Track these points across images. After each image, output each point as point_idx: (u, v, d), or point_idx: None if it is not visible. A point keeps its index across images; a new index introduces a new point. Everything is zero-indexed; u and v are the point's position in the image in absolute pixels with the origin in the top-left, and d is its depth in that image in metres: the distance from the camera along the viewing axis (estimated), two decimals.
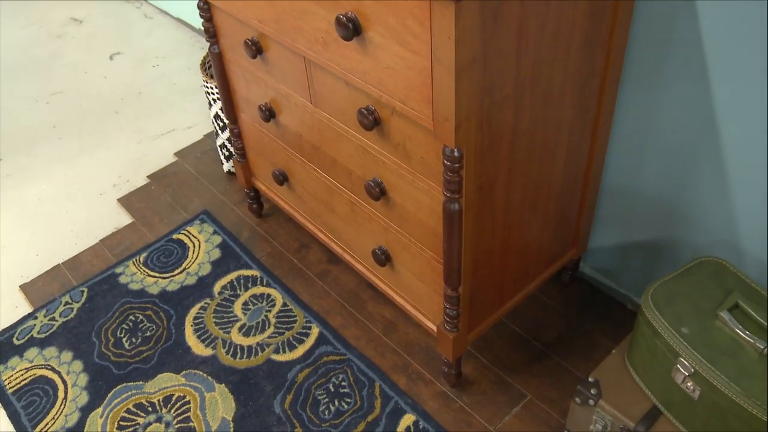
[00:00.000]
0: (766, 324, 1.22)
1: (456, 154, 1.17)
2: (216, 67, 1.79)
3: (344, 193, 1.60)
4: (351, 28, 1.18)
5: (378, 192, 1.45)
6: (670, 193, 1.53)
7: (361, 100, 1.34)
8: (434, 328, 1.55)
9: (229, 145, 2.21)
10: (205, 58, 2.19)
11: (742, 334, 1.21)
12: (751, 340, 1.20)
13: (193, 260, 2.05)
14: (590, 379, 1.39)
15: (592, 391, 1.36)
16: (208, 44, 1.78)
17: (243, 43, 1.60)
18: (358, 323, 1.82)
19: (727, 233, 1.45)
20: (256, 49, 1.56)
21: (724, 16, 1.23)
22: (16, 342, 1.89)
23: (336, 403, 1.65)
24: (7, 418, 1.72)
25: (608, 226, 1.73)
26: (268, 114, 1.69)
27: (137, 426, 1.65)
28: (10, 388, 1.78)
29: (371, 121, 1.32)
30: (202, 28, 2.52)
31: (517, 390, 1.64)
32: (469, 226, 1.32)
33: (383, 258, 1.58)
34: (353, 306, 1.87)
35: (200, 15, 1.71)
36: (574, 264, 1.80)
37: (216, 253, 2.06)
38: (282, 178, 1.82)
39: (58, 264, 2.11)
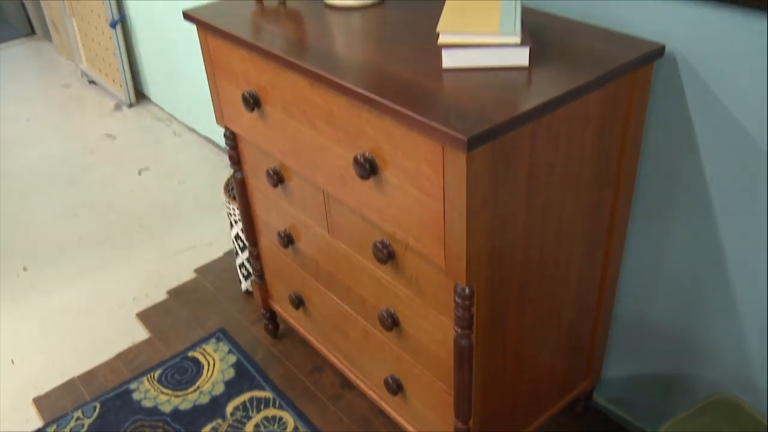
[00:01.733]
0: None
1: (467, 291, 1.19)
2: (239, 192, 1.86)
3: (358, 320, 1.62)
4: (368, 168, 1.24)
5: (390, 323, 1.47)
6: (682, 326, 1.53)
7: (377, 234, 1.38)
8: None
9: (248, 265, 2.26)
10: (228, 180, 2.27)
11: None
12: None
13: (207, 379, 2.05)
14: None
15: None
16: (232, 171, 1.85)
17: (265, 172, 1.67)
18: None
19: (741, 368, 1.45)
20: (277, 178, 1.63)
21: (726, 160, 1.28)
22: None
23: None
24: None
25: (621, 357, 1.72)
26: (287, 240, 1.74)
27: None
28: None
29: (385, 254, 1.36)
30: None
31: None
32: (479, 360, 1.32)
33: (395, 387, 1.58)
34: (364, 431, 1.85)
35: (226, 143, 1.79)
36: (587, 394, 1.78)
37: (230, 373, 2.07)
38: (298, 302, 1.85)
39: (73, 377, 2.12)
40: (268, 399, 1.97)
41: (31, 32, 4.90)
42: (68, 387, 2.09)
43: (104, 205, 2.93)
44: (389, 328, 1.47)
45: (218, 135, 3.18)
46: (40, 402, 2.05)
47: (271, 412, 1.94)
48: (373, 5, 1.53)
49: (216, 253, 2.58)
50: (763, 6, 1.11)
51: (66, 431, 1.94)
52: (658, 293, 1.55)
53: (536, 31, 1.32)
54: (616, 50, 1.24)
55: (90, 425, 1.95)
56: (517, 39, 1.18)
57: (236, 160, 1.82)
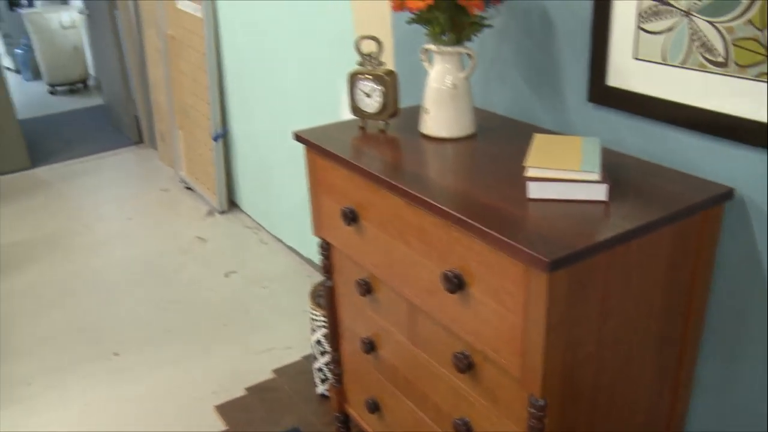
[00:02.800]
0: None
1: (541, 403, 1.28)
2: (327, 298, 2.01)
3: (432, 428, 1.70)
4: (456, 283, 1.37)
5: (465, 430, 1.54)
6: None
7: (457, 344, 1.49)
8: None
9: (325, 370, 2.37)
10: (314, 288, 2.42)
11: None
12: None
13: None
14: None
15: None
16: (321, 276, 2.01)
17: (355, 282, 1.82)
18: None
19: None
20: (366, 288, 1.77)
21: None
22: None
23: None
24: None
25: None
26: (370, 346, 1.86)
27: None
28: None
29: (465, 364, 1.47)
30: (311, 259, 2.80)
31: None
32: None
33: None
34: None
35: (320, 253, 1.96)
36: None
37: None
38: (374, 407, 1.95)
39: None
40: None
41: (140, 141, 5.34)
42: None
43: (191, 303, 3.12)
44: None
45: (303, 246, 3.38)
46: None
47: None
48: (465, 138, 1.71)
49: (294, 356, 2.71)
50: None
51: None
52: (731, 420, 1.59)
53: (614, 169, 1.46)
54: (688, 191, 1.36)
55: None
56: (597, 176, 1.32)
57: (328, 269, 1.97)
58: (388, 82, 1.74)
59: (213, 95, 3.70)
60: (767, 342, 1.44)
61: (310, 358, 2.68)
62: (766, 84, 1.28)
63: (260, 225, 3.82)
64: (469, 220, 1.28)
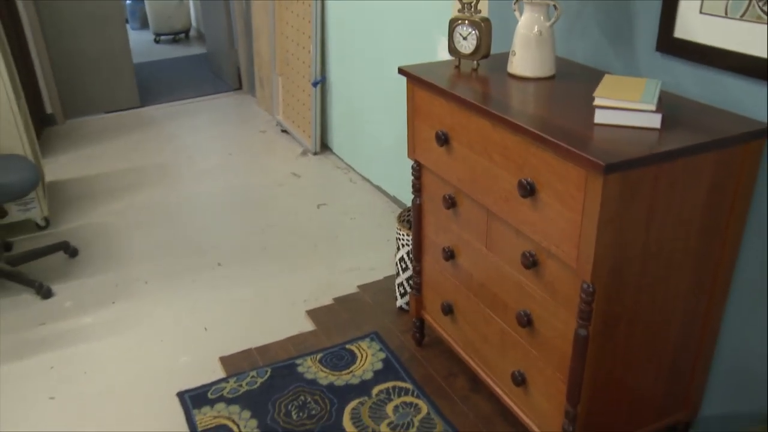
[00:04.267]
0: None
1: (590, 288, 1.58)
2: (415, 214, 2.33)
3: (498, 323, 2.02)
4: (528, 189, 1.67)
5: (526, 321, 1.85)
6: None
7: (526, 245, 1.79)
8: None
9: (405, 285, 2.71)
10: (401, 212, 2.75)
11: None
12: None
13: (359, 366, 2.49)
14: None
15: None
16: (412, 198, 2.33)
17: (441, 197, 2.14)
18: None
19: None
20: (451, 202, 2.09)
21: None
22: (209, 396, 2.37)
23: None
24: None
25: (720, 398, 2.00)
26: (450, 254, 2.18)
27: None
28: (200, 427, 2.24)
29: (531, 262, 1.77)
30: (395, 196, 3.11)
31: None
32: (592, 354, 1.68)
33: (520, 380, 1.95)
34: (486, 427, 2.21)
35: (412, 174, 2.28)
36: (684, 426, 2.05)
37: (379, 365, 2.50)
38: (448, 309, 2.27)
39: (251, 348, 2.62)
40: (408, 389, 2.38)
41: (239, 87, 5.76)
42: (247, 354, 2.59)
43: (286, 227, 3.51)
44: (524, 326, 1.86)
45: (388, 185, 3.71)
46: (224, 360, 2.56)
47: (409, 399, 2.34)
48: (546, 78, 1.99)
49: (377, 276, 3.06)
50: None
51: (243, 384, 2.42)
52: (759, 340, 1.84)
53: (672, 107, 1.72)
54: (733, 126, 1.62)
55: (262, 383, 2.43)
56: (653, 107, 1.59)
57: (418, 188, 2.29)
58: (483, 27, 2.03)
59: (315, 43, 4.05)
60: None
61: (391, 278, 3.02)
62: None
63: (349, 166, 4.17)
64: (544, 135, 1.57)
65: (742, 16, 1.66)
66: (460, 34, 2.07)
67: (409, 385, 2.39)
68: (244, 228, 3.51)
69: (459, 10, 2.08)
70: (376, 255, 3.23)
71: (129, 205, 3.79)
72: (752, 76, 1.67)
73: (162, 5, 7.47)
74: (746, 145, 1.63)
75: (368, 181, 3.95)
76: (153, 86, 5.94)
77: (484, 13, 2.43)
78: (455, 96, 1.89)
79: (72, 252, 3.31)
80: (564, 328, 1.73)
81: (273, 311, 2.84)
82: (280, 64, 4.65)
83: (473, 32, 2.04)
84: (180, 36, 7.83)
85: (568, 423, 1.77)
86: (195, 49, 7.30)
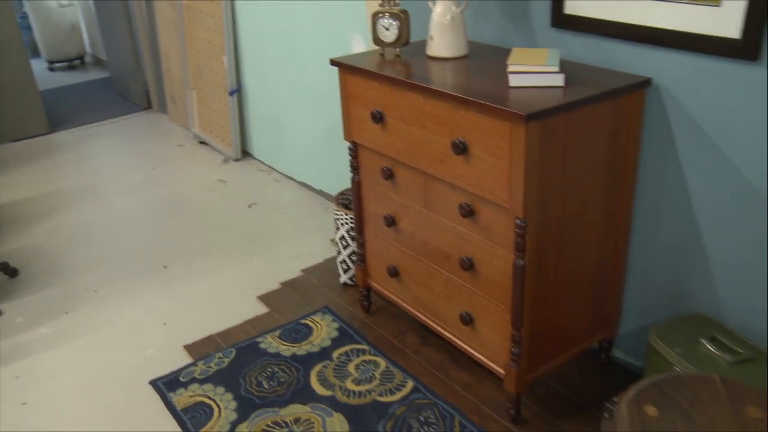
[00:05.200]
0: (733, 347, 1.82)
1: (523, 223, 1.89)
2: (354, 191, 2.59)
3: (442, 273, 2.30)
4: (461, 147, 1.96)
5: (469, 265, 2.15)
6: (678, 284, 2.18)
7: (462, 197, 2.09)
8: (503, 371, 2.17)
9: (348, 261, 2.96)
10: (337, 196, 3.00)
11: (716, 352, 1.82)
12: (722, 356, 1.80)
13: (317, 337, 2.72)
14: (615, 399, 1.96)
15: (616, 406, 1.94)
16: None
17: (380, 170, 2.41)
18: (443, 382, 2.43)
19: (714, 301, 2.07)
20: (389, 173, 2.36)
21: (698, 159, 1.98)
22: (182, 380, 2.55)
23: (425, 428, 2.23)
24: (179, 426, 2.34)
25: (635, 314, 2.36)
26: (391, 221, 2.45)
27: None
28: (179, 407, 2.41)
29: (468, 211, 2.06)
30: (321, 190, 3.35)
31: (561, 428, 2.20)
32: (529, 282, 1.99)
33: (468, 319, 2.24)
34: (440, 372, 2.49)
35: (349, 154, 2.54)
36: (608, 345, 2.40)
37: (334, 333, 2.74)
38: (394, 272, 2.54)
39: (212, 335, 2.81)
40: (365, 350, 2.63)
41: (148, 107, 5.85)
42: (209, 340, 2.78)
43: (223, 227, 3.69)
44: (467, 269, 2.15)
45: (313, 180, 3.95)
46: (189, 348, 2.73)
47: (367, 357, 2.59)
48: (461, 57, 2.30)
49: (317, 260, 3.30)
50: (720, 53, 1.84)
51: (212, 365, 2.61)
52: (659, 259, 2.21)
53: (570, 71, 2.06)
54: (619, 80, 1.97)
55: (230, 362, 2.62)
56: (557, 68, 1.92)
57: (355, 166, 2.56)
58: (403, 17, 2.32)
59: (229, 54, 4.25)
60: (681, 197, 2.06)
61: (331, 260, 3.26)
62: (678, 3, 1.90)
63: (272, 168, 4.38)
64: (472, 98, 1.87)
65: None
66: (383, 26, 2.35)
67: (365, 347, 2.65)
68: (182, 232, 3.67)
69: (380, 4, 2.36)
70: (313, 242, 3.47)
71: (60, 225, 3.86)
72: (631, 40, 2.03)
73: (53, 32, 7.42)
74: (632, 94, 1.98)
75: (293, 179, 4.18)
76: (59, 112, 5.93)
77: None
78: (388, 77, 2.17)
79: (12, 272, 3.37)
80: (503, 265, 2.03)
81: (226, 301, 3.03)
82: (193, 79, 4.81)
83: (394, 23, 2.33)
84: (75, 62, 7.78)
85: (515, 346, 2.07)
86: (94, 74, 7.29)
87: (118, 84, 6.27)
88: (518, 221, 1.89)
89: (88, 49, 7.94)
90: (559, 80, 1.93)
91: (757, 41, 1.75)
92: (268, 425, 2.30)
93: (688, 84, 1.95)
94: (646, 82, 2.00)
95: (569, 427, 2.21)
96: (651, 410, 1.28)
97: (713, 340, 1.88)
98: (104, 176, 4.52)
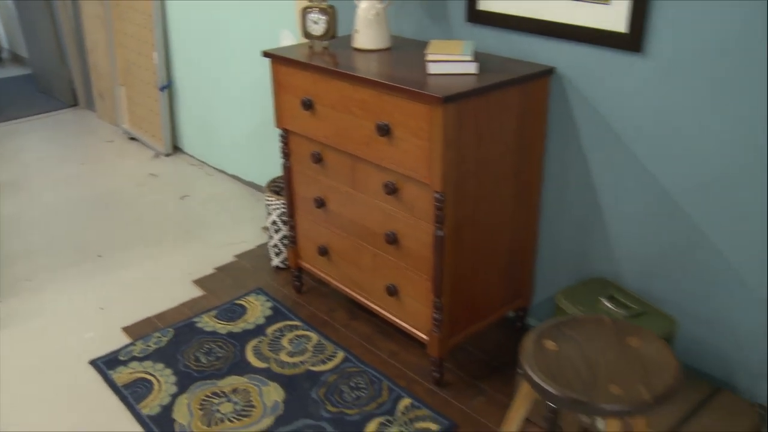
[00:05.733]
0: (627, 304, 2.07)
1: (442, 197, 2.09)
2: (286, 176, 2.75)
3: (369, 249, 2.48)
4: (385, 129, 2.15)
5: (393, 239, 2.34)
6: (582, 253, 2.42)
7: (387, 177, 2.28)
8: (427, 337, 2.36)
9: (280, 245, 3.11)
10: (269, 183, 3.15)
11: (613, 308, 2.06)
12: (618, 311, 2.04)
13: (252, 315, 2.86)
14: None
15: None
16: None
17: (309, 155, 2.57)
18: (372, 352, 2.62)
19: (613, 265, 2.32)
20: (319, 158, 2.53)
21: (594, 139, 2.22)
22: (121, 358, 2.65)
23: (356, 392, 2.41)
24: (119, 401, 2.44)
25: (547, 283, 2.59)
26: (320, 203, 2.62)
27: (213, 404, 2.39)
28: (119, 383, 2.52)
29: (392, 189, 2.25)
30: (252, 181, 3.48)
31: (481, 388, 2.42)
32: (449, 252, 2.20)
33: (393, 290, 2.43)
34: (369, 343, 2.67)
35: (281, 141, 2.69)
36: (522, 314, 2.63)
37: (268, 312, 2.89)
38: (324, 251, 2.71)
39: (150, 317, 2.91)
40: (298, 326, 2.79)
41: (75, 104, 5.84)
42: (147, 322, 2.88)
43: (156, 219, 3.78)
44: (391, 243, 2.34)
45: (244, 172, 4.08)
46: (128, 330, 2.83)
47: (300, 332, 2.75)
48: (385, 49, 2.50)
49: (250, 246, 3.43)
50: (611, 45, 2.09)
51: (151, 344, 2.72)
52: (566, 232, 2.45)
53: (483, 61, 2.28)
54: (526, 69, 2.20)
55: (168, 341, 2.73)
56: (471, 58, 2.14)
57: (286, 153, 2.71)
58: (330, 12, 2.50)
59: (160, 50, 4.33)
60: (583, 173, 2.31)
61: (263, 246, 3.41)
62: (575, 1, 2.14)
63: (203, 162, 4.48)
64: (394, 84, 2.06)
65: None
66: (312, 20, 2.52)
67: (298, 323, 2.81)
68: (116, 224, 3.74)
69: (309, 0, 2.53)
70: (244, 230, 3.60)
71: None
72: (537, 34, 2.27)
73: None
74: (537, 81, 2.22)
75: (224, 172, 4.30)
76: None
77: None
78: (317, 67, 2.34)
79: None
80: (425, 237, 2.22)
81: (162, 285, 3.13)
82: (122, 75, 4.85)
83: (323, 17, 2.50)
84: None
85: (437, 312, 2.27)
86: (13, 71, 7.17)
87: (42, 81, 6.22)
88: (438, 195, 2.09)
89: (5, 44, 7.80)
90: (473, 68, 2.15)
91: (640, 35, 2.00)
92: (207, 396, 2.43)
93: (586, 72, 2.19)
94: (549, 71, 2.23)
95: (488, 387, 2.43)
96: (550, 344, 1.49)
97: (611, 299, 2.13)
98: (31, 171, 4.52)
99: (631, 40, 2.02)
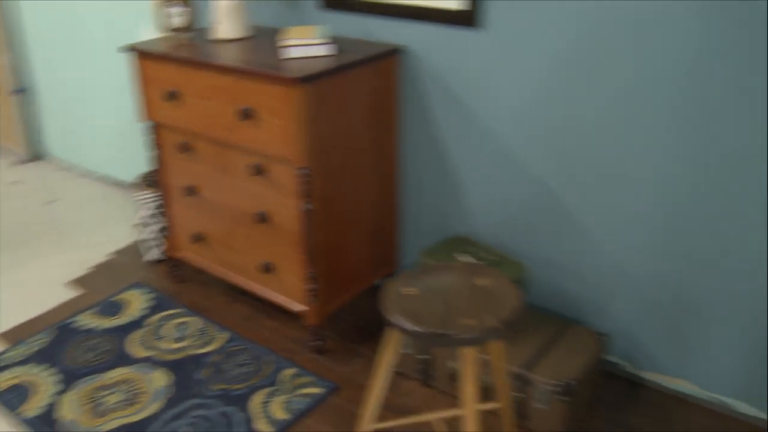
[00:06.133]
0: (481, 255, 2.28)
1: (307, 171, 2.23)
2: (156, 169, 2.80)
3: (242, 230, 2.58)
4: (249, 114, 2.26)
5: (264, 218, 2.45)
6: (442, 217, 2.63)
7: (254, 159, 2.39)
8: (305, 308, 2.50)
9: (153, 240, 3.14)
10: (139, 178, 3.18)
11: (470, 260, 2.27)
12: (474, 261, 2.25)
13: (133, 309, 2.89)
14: None
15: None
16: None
17: (178, 145, 2.64)
18: (254, 330, 2.72)
19: (470, 225, 2.54)
20: (186, 146, 2.60)
21: (444, 108, 2.43)
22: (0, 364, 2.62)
23: (241, 369, 2.51)
24: (2, 405, 2.43)
25: (411, 251, 2.78)
26: (192, 191, 2.69)
27: (100, 397, 2.42)
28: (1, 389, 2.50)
29: (259, 169, 2.37)
30: (122, 180, 3.49)
31: (359, 351, 2.58)
32: (318, 225, 2.34)
33: (269, 267, 2.54)
34: (250, 323, 2.77)
35: (149, 134, 2.74)
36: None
37: (149, 303, 2.92)
38: (198, 238, 2.78)
39: (28, 320, 2.88)
40: (180, 313, 2.85)
41: None
42: (26, 326, 2.84)
43: (24, 224, 3.69)
44: (262, 221, 2.45)
45: (113, 172, 4.06)
46: (5, 335, 2.79)
47: (182, 319, 2.81)
48: (244, 38, 2.60)
49: (123, 244, 3.44)
50: (452, 22, 2.29)
51: (31, 347, 2.70)
52: (426, 199, 2.65)
53: (340, 44, 2.43)
54: (377, 49, 2.37)
55: (50, 342, 2.72)
56: (325, 41, 2.28)
57: (156, 145, 2.76)
58: (190, 5, 2.58)
59: (12, 53, 4.21)
60: (437, 141, 2.51)
61: (134, 245, 3.42)
62: None
63: (71, 164, 4.40)
64: (254, 70, 2.18)
65: None
66: (171, 13, 2.59)
67: (180, 311, 2.86)
68: None
69: None
70: (118, 228, 3.59)
71: None
72: (388, 15, 2.45)
73: None
74: (387, 59, 2.40)
75: (93, 174, 4.24)
76: None
77: None
78: (181, 58, 2.41)
79: None
80: (294, 213, 2.35)
81: (37, 289, 3.09)
82: None
83: (183, 10, 2.57)
84: None
85: (312, 282, 2.41)
86: None
87: None
88: (303, 171, 2.22)
89: None
90: (327, 50, 2.29)
91: (475, 12, 2.22)
92: (94, 389, 2.45)
93: (433, 49, 2.39)
94: (397, 49, 2.42)
95: (365, 350, 2.59)
96: (408, 290, 1.67)
97: (467, 252, 2.34)
98: None
99: (471, 17, 2.23)
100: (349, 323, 2.74)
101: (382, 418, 2.20)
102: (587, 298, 2.39)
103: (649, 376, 2.38)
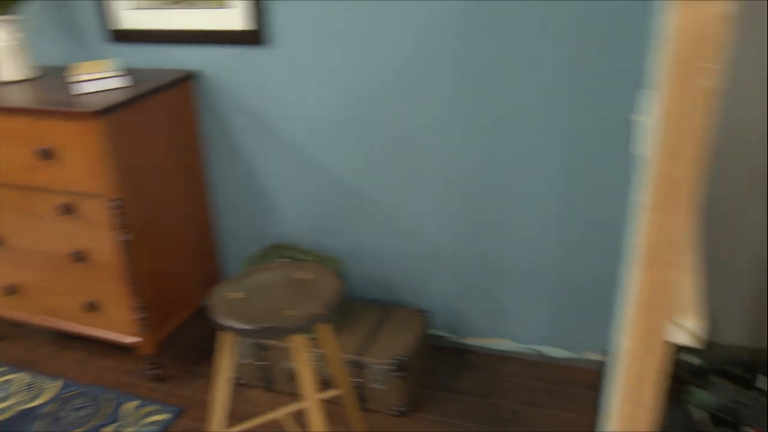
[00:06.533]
0: (296, 257, 2.41)
1: (119, 203, 2.24)
2: None
3: (59, 272, 2.53)
4: (47, 154, 2.24)
5: (81, 256, 2.42)
6: (259, 232, 2.72)
7: (61, 198, 2.36)
8: (137, 339, 2.49)
9: None
10: None
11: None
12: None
13: None
14: None
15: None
16: None
17: None
18: (88, 373, 2.66)
19: (287, 231, 2.65)
20: None
21: (238, 127, 2.53)
22: None
23: (77, 413, 2.46)
24: None
25: (237, 271, 2.86)
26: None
27: None
28: None
29: (68, 209, 2.34)
30: None
31: (199, 372, 2.61)
32: (139, 254, 2.35)
33: (93, 305, 2.51)
34: (83, 366, 2.71)
35: None
36: None
37: None
38: (12, 290, 2.68)
39: None
40: (1, 373, 2.72)
41: None
42: None
43: None
44: (80, 260, 2.42)
45: None
46: None
47: (4, 378, 2.69)
48: (30, 79, 2.56)
49: None
50: (238, 42, 2.40)
51: None
52: (241, 216, 2.73)
53: (133, 75, 2.46)
54: (174, 75, 2.44)
55: None
56: (117, 73, 2.31)
57: None
58: None
59: None
60: (242, 159, 2.60)
61: None
62: (195, 9, 2.41)
63: None
64: (47, 108, 2.17)
65: (151, 6, 2.48)
66: None
67: (2, 369, 2.74)
68: None
69: None
70: None
71: None
72: (177, 42, 2.52)
73: None
74: (182, 85, 2.47)
75: None
76: None
77: None
78: None
79: None
80: (111, 246, 2.35)
81: None
82: None
83: None
84: None
85: (140, 312, 2.42)
86: None
87: None
88: (115, 202, 2.24)
89: None
90: (121, 82, 2.33)
91: (260, 31, 2.35)
92: None
93: (225, 69, 2.49)
94: (191, 74, 2.50)
95: (205, 369, 2.63)
96: (233, 294, 1.76)
97: (286, 256, 2.46)
98: None
99: (258, 36, 2.36)
100: (184, 347, 2.77)
101: (229, 426, 2.26)
102: (405, 282, 2.59)
103: (472, 341, 2.62)
